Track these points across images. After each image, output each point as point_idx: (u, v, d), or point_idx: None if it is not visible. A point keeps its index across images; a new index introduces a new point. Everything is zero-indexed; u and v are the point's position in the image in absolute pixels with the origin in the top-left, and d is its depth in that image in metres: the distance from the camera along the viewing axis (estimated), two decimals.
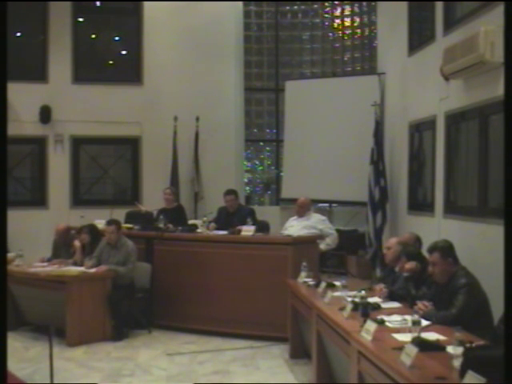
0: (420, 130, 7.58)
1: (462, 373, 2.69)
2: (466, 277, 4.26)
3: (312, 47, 10.63)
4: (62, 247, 7.20)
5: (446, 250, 4.41)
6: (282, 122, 10.28)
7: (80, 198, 9.79)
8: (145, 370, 5.43)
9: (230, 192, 7.35)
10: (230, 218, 7.13)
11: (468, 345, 3.02)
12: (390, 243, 5.43)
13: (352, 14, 10.40)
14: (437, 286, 4.44)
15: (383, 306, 4.50)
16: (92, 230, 6.97)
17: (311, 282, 5.46)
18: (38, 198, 9.72)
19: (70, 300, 6.17)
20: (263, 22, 10.65)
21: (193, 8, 9.85)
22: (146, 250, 6.94)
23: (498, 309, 3.92)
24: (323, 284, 5.14)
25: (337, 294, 4.84)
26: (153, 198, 8.43)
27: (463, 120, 6.35)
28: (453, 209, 6.53)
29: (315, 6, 10.56)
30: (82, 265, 6.63)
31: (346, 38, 10.44)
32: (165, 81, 9.79)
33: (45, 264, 6.87)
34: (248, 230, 6.57)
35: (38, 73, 9.60)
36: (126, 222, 7.47)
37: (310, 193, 8.06)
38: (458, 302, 4.11)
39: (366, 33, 10.25)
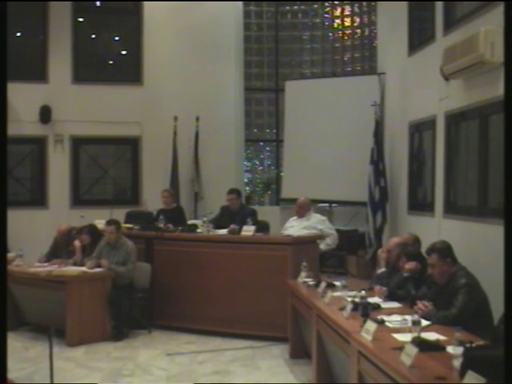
0: (420, 129, 7.58)
1: (462, 373, 2.69)
2: (465, 277, 4.26)
3: (312, 47, 10.63)
4: (63, 247, 7.20)
5: (443, 251, 4.41)
6: (282, 122, 10.28)
7: (80, 198, 9.79)
8: (145, 370, 5.43)
9: (232, 191, 7.36)
10: (231, 217, 7.12)
11: (468, 345, 3.02)
12: (390, 245, 5.42)
13: (352, 14, 10.40)
14: (437, 286, 4.45)
15: (383, 305, 4.51)
16: (92, 230, 6.97)
17: (311, 281, 5.46)
18: (38, 198, 9.72)
19: (70, 300, 6.17)
20: (263, 22, 10.65)
21: (193, 8, 9.85)
22: (146, 249, 6.95)
23: (498, 309, 3.92)
24: (323, 284, 5.14)
25: (337, 294, 4.84)
26: (153, 198, 8.42)
27: (463, 120, 6.35)
28: (453, 209, 6.53)
29: (315, 5, 10.56)
30: (81, 265, 6.63)
31: (346, 38, 10.44)
32: (165, 81, 9.79)
33: (45, 264, 6.87)
34: (248, 230, 6.57)
35: (38, 73, 9.60)
36: (126, 222, 7.47)
37: (310, 193, 8.07)
38: (457, 302, 4.11)
39: (366, 33, 10.24)
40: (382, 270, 5.56)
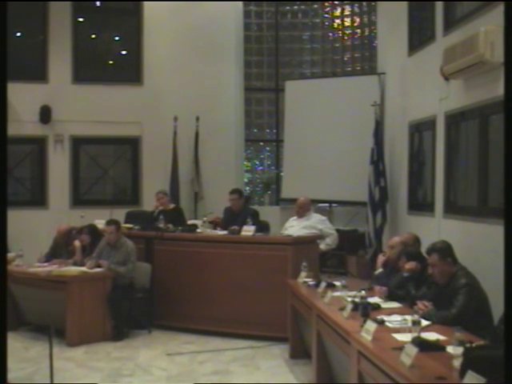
0: (420, 129, 7.58)
1: (462, 373, 2.69)
2: (465, 277, 4.26)
3: (312, 47, 10.63)
4: (63, 247, 7.20)
5: (444, 250, 4.41)
6: (282, 122, 10.28)
7: (80, 198, 9.79)
8: (145, 370, 5.43)
9: (234, 191, 7.34)
10: (234, 217, 7.11)
11: (468, 345, 3.02)
12: (393, 242, 5.42)
13: (352, 14, 10.40)
14: (437, 286, 4.44)
15: (383, 305, 4.51)
16: (92, 230, 6.97)
17: (311, 282, 5.46)
18: (38, 198, 9.72)
19: (70, 300, 6.17)
20: (263, 22, 10.66)
21: (193, 8, 9.86)
22: (146, 249, 6.94)
23: (498, 309, 3.93)
24: (323, 284, 5.14)
25: (337, 293, 4.84)
26: (153, 198, 8.42)
27: (463, 120, 6.35)
28: (453, 209, 6.53)
29: (315, 5, 10.56)
30: (81, 265, 6.63)
31: (345, 37, 10.44)
32: (165, 81, 9.79)
33: (45, 264, 6.87)
34: (248, 230, 6.57)
35: (38, 73, 9.60)
36: (126, 222, 7.48)
37: (309, 193, 8.06)
38: (458, 302, 4.11)
39: (366, 33, 10.25)
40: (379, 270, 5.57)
